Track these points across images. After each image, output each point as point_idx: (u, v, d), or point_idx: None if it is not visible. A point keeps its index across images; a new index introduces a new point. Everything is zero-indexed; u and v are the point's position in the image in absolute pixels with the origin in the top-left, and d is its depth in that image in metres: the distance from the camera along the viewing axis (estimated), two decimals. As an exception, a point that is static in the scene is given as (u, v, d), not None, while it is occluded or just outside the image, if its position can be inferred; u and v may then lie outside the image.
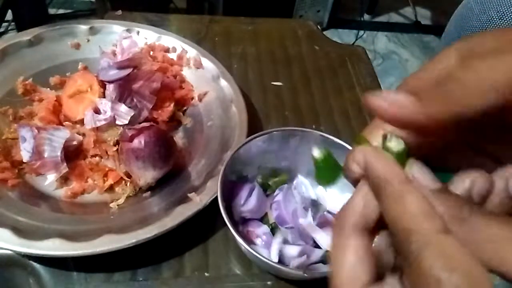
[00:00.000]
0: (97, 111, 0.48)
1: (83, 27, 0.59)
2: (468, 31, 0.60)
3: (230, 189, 0.44)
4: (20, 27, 1.39)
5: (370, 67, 0.69)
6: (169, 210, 0.42)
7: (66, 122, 0.50)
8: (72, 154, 0.47)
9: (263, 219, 0.45)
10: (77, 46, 0.59)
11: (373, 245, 0.20)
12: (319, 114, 0.60)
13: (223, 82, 0.55)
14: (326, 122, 0.59)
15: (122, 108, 0.48)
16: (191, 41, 0.60)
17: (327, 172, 0.23)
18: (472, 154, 0.23)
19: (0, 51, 0.54)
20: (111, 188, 0.46)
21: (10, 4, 1.28)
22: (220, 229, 0.45)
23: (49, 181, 0.46)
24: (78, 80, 0.51)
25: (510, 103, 0.18)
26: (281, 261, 0.40)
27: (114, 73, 0.48)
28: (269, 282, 0.42)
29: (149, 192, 0.46)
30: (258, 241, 0.42)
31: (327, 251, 0.41)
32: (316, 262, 0.41)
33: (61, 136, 0.45)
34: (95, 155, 0.48)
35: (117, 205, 0.44)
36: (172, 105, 0.53)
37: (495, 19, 0.55)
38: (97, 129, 0.48)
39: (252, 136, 0.44)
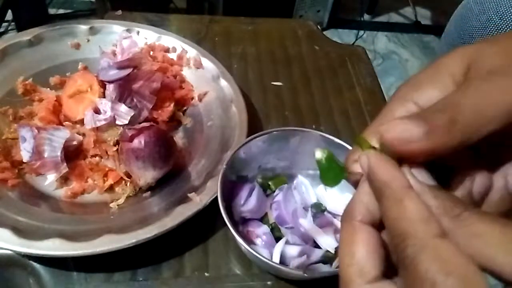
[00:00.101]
0: (97, 111, 0.48)
1: (83, 27, 0.59)
2: (468, 31, 0.60)
3: (230, 189, 0.44)
4: (20, 27, 1.39)
5: (370, 67, 0.69)
6: (169, 210, 0.42)
7: (66, 122, 0.50)
8: (72, 154, 0.47)
9: (263, 219, 0.45)
10: (77, 46, 0.59)
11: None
12: (319, 114, 0.60)
13: (223, 82, 0.55)
14: (326, 122, 0.59)
15: (122, 108, 0.48)
16: (191, 41, 0.60)
17: (331, 172, 0.23)
18: (472, 154, 0.23)
19: (0, 51, 0.54)
20: (111, 188, 0.46)
21: (10, 4, 1.29)
22: (220, 229, 0.45)
23: (49, 181, 0.46)
24: (78, 80, 0.51)
25: None
26: (281, 261, 0.40)
27: (114, 73, 0.48)
28: (269, 282, 0.42)
29: (149, 192, 0.46)
30: (258, 241, 0.42)
31: (327, 251, 0.41)
32: (316, 262, 0.41)
33: (61, 136, 0.45)
34: (95, 155, 0.48)
35: (117, 205, 0.44)
36: (172, 105, 0.53)
37: (494, 19, 0.55)
38: (97, 129, 0.48)
39: (252, 136, 0.44)
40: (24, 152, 0.44)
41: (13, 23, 1.46)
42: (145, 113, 0.50)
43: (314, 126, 0.58)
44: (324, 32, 0.86)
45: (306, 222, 0.43)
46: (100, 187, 0.46)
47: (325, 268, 0.41)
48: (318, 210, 0.45)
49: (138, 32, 0.60)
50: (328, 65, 0.68)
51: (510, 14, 0.54)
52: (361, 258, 0.19)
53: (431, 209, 0.19)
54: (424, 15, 2.13)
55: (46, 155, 0.44)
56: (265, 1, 1.60)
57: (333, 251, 0.41)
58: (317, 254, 0.41)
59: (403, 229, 0.18)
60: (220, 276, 0.42)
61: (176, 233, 0.41)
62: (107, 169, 0.47)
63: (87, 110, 0.48)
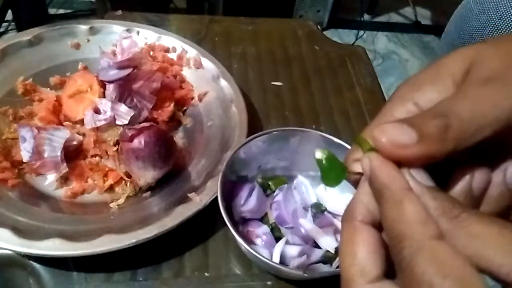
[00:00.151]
0: (97, 111, 0.48)
1: (83, 27, 0.59)
2: (468, 31, 0.60)
3: (230, 189, 0.44)
4: (20, 27, 1.39)
5: (370, 67, 0.69)
6: (169, 210, 0.42)
7: (66, 122, 0.50)
8: (72, 154, 0.47)
9: (263, 219, 0.45)
10: (77, 46, 0.59)
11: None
12: (319, 114, 0.60)
13: (223, 82, 0.55)
14: (326, 122, 0.59)
15: (122, 108, 0.48)
16: (191, 41, 0.60)
17: (332, 172, 0.23)
18: (471, 150, 0.23)
19: (0, 51, 0.54)
20: (111, 188, 0.46)
21: (10, 4, 1.29)
22: (220, 229, 0.45)
23: (49, 181, 0.46)
24: (78, 80, 0.51)
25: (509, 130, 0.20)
26: (281, 261, 0.40)
27: (114, 73, 0.48)
28: (269, 282, 0.42)
29: (149, 192, 0.46)
30: (258, 241, 0.42)
31: (327, 251, 0.41)
32: (316, 262, 0.41)
33: (61, 136, 0.45)
34: (95, 155, 0.48)
35: (117, 205, 0.44)
36: (172, 105, 0.53)
37: (494, 20, 0.55)
38: (97, 129, 0.48)
39: (252, 136, 0.44)
40: (24, 152, 0.44)
41: (13, 23, 1.46)
42: (145, 113, 0.50)
43: (314, 126, 0.58)
44: (324, 32, 0.86)
45: (306, 222, 0.43)
46: (100, 187, 0.46)
47: (325, 268, 0.41)
48: (318, 210, 0.45)
49: (138, 32, 0.60)
50: (328, 65, 0.68)
51: (509, 15, 0.54)
52: (362, 258, 0.19)
53: (430, 210, 0.19)
54: (424, 15, 2.13)
55: (46, 155, 0.44)
56: (265, 1, 1.60)
57: (333, 251, 0.41)
58: (317, 254, 0.41)
59: (400, 230, 0.18)
60: (220, 276, 0.42)
61: (176, 233, 0.41)
62: (107, 169, 0.47)
63: (87, 110, 0.48)
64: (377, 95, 0.64)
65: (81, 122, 0.49)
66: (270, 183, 0.47)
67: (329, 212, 0.45)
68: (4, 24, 1.45)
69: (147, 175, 0.43)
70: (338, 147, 0.44)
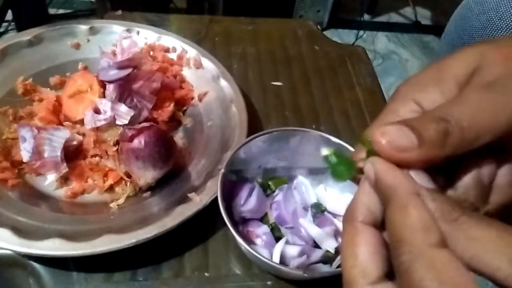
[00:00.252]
0: (97, 111, 0.48)
1: (83, 27, 0.59)
2: (468, 31, 0.60)
3: (230, 189, 0.44)
4: (20, 27, 1.39)
5: (370, 67, 0.69)
6: (169, 210, 0.42)
7: (66, 122, 0.50)
8: (72, 154, 0.47)
9: (263, 219, 0.45)
10: (77, 46, 0.59)
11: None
12: (319, 114, 0.60)
13: (223, 82, 0.55)
14: (326, 122, 0.59)
15: (122, 108, 0.48)
16: (191, 41, 0.60)
17: (341, 167, 0.23)
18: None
19: (0, 51, 0.54)
20: (111, 188, 0.46)
21: (10, 4, 1.28)
22: (220, 229, 0.45)
23: (49, 181, 0.46)
24: (78, 80, 0.51)
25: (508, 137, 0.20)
26: (281, 261, 0.40)
27: (114, 73, 0.48)
28: (269, 282, 0.42)
29: (149, 192, 0.46)
30: (258, 241, 0.42)
31: (327, 251, 0.41)
32: (316, 262, 0.41)
33: (61, 136, 0.45)
34: (95, 155, 0.48)
35: (117, 205, 0.44)
36: (172, 105, 0.53)
37: (494, 20, 0.55)
38: (97, 129, 0.48)
39: (252, 136, 0.44)
40: (24, 152, 0.44)
41: (13, 23, 1.46)
42: (145, 113, 0.50)
43: (314, 126, 0.58)
44: (324, 32, 0.86)
45: (306, 222, 0.43)
46: (100, 187, 0.46)
47: (325, 268, 0.41)
48: (318, 210, 0.45)
49: (138, 32, 0.60)
50: (328, 65, 0.68)
51: (509, 15, 0.54)
52: (364, 259, 0.19)
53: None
54: (424, 15, 2.13)
55: (46, 155, 0.44)
56: (265, 1, 1.60)
57: (333, 251, 0.41)
58: (317, 254, 0.41)
59: (402, 235, 0.18)
60: (220, 276, 0.42)
61: (176, 233, 0.41)
62: (107, 169, 0.47)
63: (87, 110, 0.48)
64: (377, 95, 0.64)
65: (81, 122, 0.49)
66: (270, 183, 0.47)
67: (329, 212, 0.45)
68: (4, 24, 1.45)
69: (147, 175, 0.43)
70: (338, 147, 0.44)
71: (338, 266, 0.40)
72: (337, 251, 0.41)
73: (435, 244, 0.17)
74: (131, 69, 0.48)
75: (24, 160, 0.45)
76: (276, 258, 0.39)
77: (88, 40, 0.59)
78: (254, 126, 0.52)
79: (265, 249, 0.41)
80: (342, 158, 0.23)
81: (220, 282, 0.41)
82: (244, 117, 0.51)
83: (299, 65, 0.67)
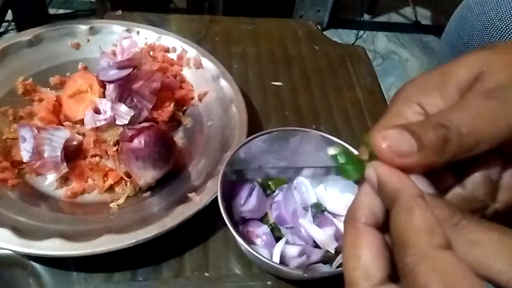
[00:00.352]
0: (97, 111, 0.48)
1: (83, 27, 0.59)
2: (468, 32, 0.60)
3: (230, 189, 0.44)
4: (20, 27, 1.39)
5: (370, 67, 0.69)
6: (169, 210, 0.42)
7: (66, 122, 0.50)
8: (72, 154, 0.47)
9: (263, 219, 0.45)
10: (77, 46, 0.59)
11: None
12: (319, 114, 0.60)
13: (223, 82, 0.55)
14: (326, 122, 0.59)
15: (122, 108, 0.48)
16: (191, 41, 0.60)
17: (351, 165, 0.23)
18: None
19: (0, 51, 0.54)
20: (111, 188, 0.46)
21: (10, 4, 1.28)
22: (220, 229, 0.45)
23: (49, 181, 0.46)
24: (78, 80, 0.51)
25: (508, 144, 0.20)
26: (281, 261, 0.40)
27: (114, 73, 0.48)
28: (269, 282, 0.42)
29: (149, 192, 0.46)
30: (258, 241, 0.42)
31: (327, 251, 0.41)
32: (316, 262, 0.41)
33: (61, 136, 0.45)
34: (95, 155, 0.47)
35: (117, 205, 0.44)
36: (172, 105, 0.53)
37: (494, 20, 0.55)
38: (97, 129, 0.48)
39: (252, 136, 0.44)
40: (24, 152, 0.44)
41: (13, 23, 1.46)
42: (145, 113, 0.50)
43: (314, 126, 0.58)
44: (324, 32, 0.86)
45: (306, 222, 0.43)
46: (100, 187, 0.46)
47: (325, 268, 0.41)
48: (318, 210, 0.45)
49: (138, 32, 0.60)
50: (328, 65, 0.68)
51: (510, 15, 0.54)
52: (366, 261, 0.19)
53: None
54: (424, 15, 2.13)
55: (46, 155, 0.44)
56: (265, 1, 1.60)
57: (333, 251, 0.41)
58: (317, 254, 0.41)
59: (406, 237, 0.18)
60: (220, 276, 0.42)
61: (176, 233, 0.41)
62: (107, 169, 0.47)
63: (87, 110, 0.48)
64: (377, 95, 0.64)
65: (81, 122, 0.49)
66: (270, 183, 0.47)
67: (329, 212, 0.45)
68: (4, 24, 1.45)
69: (147, 175, 0.43)
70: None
71: (338, 266, 0.40)
72: (337, 251, 0.41)
73: (440, 246, 0.17)
74: (131, 69, 0.48)
75: (24, 160, 0.45)
76: (276, 258, 0.39)
77: (88, 40, 0.59)
78: (254, 126, 0.52)
79: (265, 249, 0.41)
80: (350, 157, 0.23)
81: (220, 282, 0.41)
82: (244, 117, 0.51)
83: (299, 65, 0.67)
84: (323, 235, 0.42)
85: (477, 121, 0.20)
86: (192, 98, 0.56)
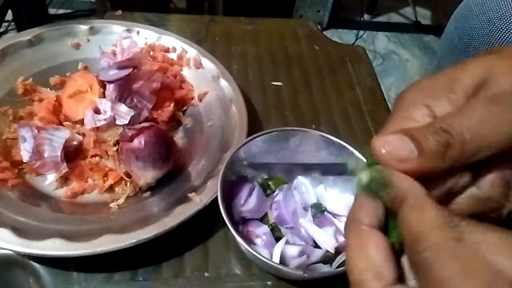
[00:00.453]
0: (97, 111, 0.48)
1: (83, 27, 0.59)
2: (468, 32, 0.60)
3: (230, 189, 0.44)
4: (20, 27, 1.39)
5: (370, 67, 0.69)
6: (169, 210, 0.42)
7: (66, 122, 0.50)
8: (72, 154, 0.47)
9: (263, 219, 0.45)
10: (77, 46, 0.59)
11: None
12: (319, 114, 0.60)
13: (223, 82, 0.55)
14: (326, 122, 0.59)
15: (122, 108, 0.48)
16: (191, 41, 0.60)
17: (375, 187, 0.21)
18: None
19: (0, 51, 0.54)
20: (111, 188, 0.46)
21: (10, 4, 1.28)
22: (220, 229, 0.45)
23: (49, 181, 0.46)
24: (78, 80, 0.51)
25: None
26: (281, 261, 0.40)
27: (114, 73, 0.48)
28: (269, 282, 0.42)
29: (149, 192, 0.46)
30: (258, 241, 0.42)
31: (327, 251, 0.41)
32: (316, 262, 0.41)
33: (61, 136, 0.45)
34: (95, 155, 0.47)
35: (117, 205, 0.44)
36: (172, 105, 0.53)
37: (494, 20, 0.55)
38: (97, 129, 0.48)
39: (252, 136, 0.44)
40: (24, 152, 0.44)
41: (13, 23, 1.46)
42: (145, 113, 0.50)
43: (314, 126, 0.58)
44: (324, 32, 0.86)
45: (306, 222, 0.43)
46: (100, 187, 0.46)
47: (325, 268, 0.41)
48: (318, 210, 0.45)
49: (138, 32, 0.60)
50: (328, 65, 0.68)
51: (510, 15, 0.54)
52: (377, 262, 0.19)
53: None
54: (424, 15, 2.13)
55: (46, 155, 0.44)
56: (265, 1, 1.60)
57: (333, 251, 0.41)
58: (317, 254, 0.41)
59: (420, 233, 0.18)
60: (220, 276, 0.42)
61: (176, 233, 0.40)
62: (107, 169, 0.47)
63: (87, 110, 0.48)
64: (377, 95, 0.64)
65: (81, 122, 0.49)
66: (270, 183, 0.47)
67: (329, 212, 0.45)
68: (4, 24, 1.45)
69: (147, 175, 0.43)
70: (338, 147, 0.44)
71: (338, 266, 0.40)
72: (337, 251, 0.41)
73: (456, 238, 0.17)
74: (131, 69, 0.48)
75: (24, 160, 0.45)
76: (276, 258, 0.39)
77: (88, 40, 0.59)
78: (254, 126, 0.52)
79: (265, 249, 0.41)
80: (376, 185, 0.21)
81: (220, 282, 0.41)
82: (244, 117, 0.51)
83: (299, 65, 0.67)
84: (323, 235, 0.42)
85: (480, 126, 0.20)
86: (192, 98, 0.56)
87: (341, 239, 0.42)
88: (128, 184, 0.46)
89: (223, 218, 0.38)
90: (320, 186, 0.47)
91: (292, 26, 0.75)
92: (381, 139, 0.21)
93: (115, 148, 0.47)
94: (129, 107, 0.48)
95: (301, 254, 0.40)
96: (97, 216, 0.43)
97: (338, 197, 0.45)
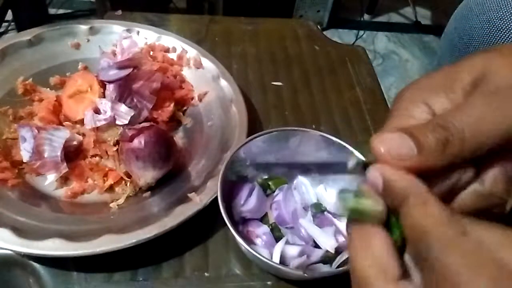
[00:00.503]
0: (97, 111, 0.48)
1: (83, 27, 0.59)
2: (468, 32, 0.60)
3: (230, 189, 0.44)
4: (20, 27, 1.39)
5: (370, 67, 0.69)
6: (169, 210, 0.42)
7: (66, 122, 0.50)
8: (72, 154, 0.47)
9: (263, 219, 0.45)
10: (77, 46, 0.59)
11: None
12: (319, 114, 0.60)
13: (223, 82, 0.55)
14: (326, 122, 0.59)
15: (122, 108, 0.48)
16: (191, 41, 0.60)
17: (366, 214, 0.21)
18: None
19: (0, 51, 0.54)
20: (111, 188, 0.46)
21: (10, 4, 1.28)
22: (220, 229, 0.45)
23: (49, 181, 0.46)
24: (78, 80, 0.51)
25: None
26: (281, 261, 0.40)
27: (114, 73, 0.48)
28: (269, 282, 0.42)
29: (149, 192, 0.46)
30: (258, 241, 0.42)
31: (327, 251, 0.41)
32: (316, 262, 0.41)
33: (61, 136, 0.45)
34: (95, 155, 0.47)
35: (117, 205, 0.44)
36: (172, 105, 0.53)
37: (495, 20, 0.55)
38: (97, 129, 0.48)
39: (252, 136, 0.44)
40: (24, 152, 0.44)
41: (13, 23, 1.46)
42: (145, 113, 0.50)
43: (314, 126, 0.58)
44: (324, 32, 0.86)
45: (306, 222, 0.43)
46: (100, 187, 0.46)
47: (325, 268, 0.41)
48: (318, 210, 0.45)
49: (138, 32, 0.60)
50: (328, 65, 0.68)
51: (510, 15, 0.54)
52: (382, 259, 0.19)
53: None
54: (424, 15, 2.13)
55: (46, 155, 0.44)
56: (265, 1, 1.59)
57: (333, 251, 0.41)
58: (317, 254, 0.41)
59: (425, 228, 0.18)
60: (220, 276, 0.42)
61: (176, 233, 0.40)
62: (107, 169, 0.47)
63: (87, 110, 0.48)
64: (377, 95, 0.64)
65: (81, 122, 0.49)
66: (270, 183, 0.47)
67: (329, 212, 0.45)
68: (4, 24, 1.45)
69: (147, 175, 0.43)
70: (338, 147, 0.44)
71: (338, 266, 0.40)
72: (337, 251, 0.41)
73: (462, 232, 0.17)
74: (131, 69, 0.48)
75: (24, 160, 0.45)
76: (276, 258, 0.39)
77: (88, 40, 0.59)
78: (254, 126, 0.52)
79: (265, 249, 0.41)
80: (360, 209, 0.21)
81: (220, 282, 0.41)
82: (244, 117, 0.51)
83: (299, 65, 0.67)
84: (323, 235, 0.42)
85: (479, 122, 0.20)
86: (192, 98, 0.56)
87: (341, 239, 0.42)
88: (128, 184, 0.46)
89: (223, 218, 0.38)
90: (320, 186, 0.47)
91: (292, 26, 0.75)
92: (380, 137, 0.21)
93: (115, 148, 0.47)
94: (129, 107, 0.48)
95: (301, 254, 0.40)
96: (97, 216, 0.43)
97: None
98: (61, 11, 1.78)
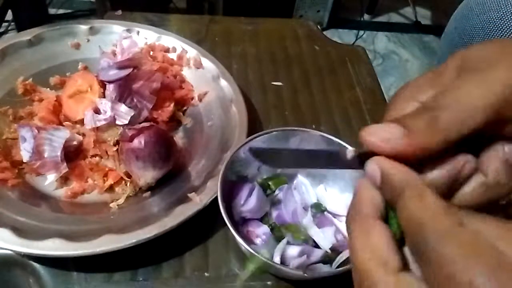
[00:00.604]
0: (97, 111, 0.48)
1: (83, 27, 0.59)
2: (468, 31, 0.60)
3: (230, 189, 0.44)
4: (20, 27, 1.39)
5: (370, 67, 0.69)
6: (169, 210, 0.42)
7: (66, 122, 0.50)
8: (72, 154, 0.47)
9: (263, 219, 0.45)
10: (77, 46, 0.59)
11: None
12: (319, 114, 0.60)
13: (223, 82, 0.55)
14: (326, 122, 0.59)
15: (122, 108, 0.48)
16: (191, 41, 0.60)
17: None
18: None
19: (0, 51, 0.54)
20: (111, 188, 0.46)
21: (10, 4, 1.28)
22: (220, 229, 0.45)
23: (49, 181, 0.46)
24: (78, 80, 0.51)
25: (500, 117, 0.20)
26: (281, 261, 0.40)
27: (114, 73, 0.48)
28: (269, 282, 0.42)
29: (149, 192, 0.46)
30: (258, 241, 0.42)
31: (327, 251, 0.41)
32: (316, 262, 0.41)
33: (61, 136, 0.45)
34: (95, 155, 0.47)
35: (117, 205, 0.44)
36: (172, 105, 0.53)
37: (495, 20, 0.55)
38: (97, 129, 0.48)
39: (252, 136, 0.44)
40: (24, 152, 0.44)
41: (13, 23, 1.46)
42: (145, 113, 0.50)
43: (314, 126, 0.58)
44: (324, 32, 0.86)
45: (306, 222, 0.42)
46: (100, 187, 0.46)
47: (325, 268, 0.41)
48: (318, 210, 0.45)
49: (138, 32, 0.60)
50: (328, 65, 0.68)
51: (510, 15, 0.54)
52: (382, 251, 0.19)
53: None
54: (424, 15, 2.13)
55: (46, 155, 0.44)
56: (265, 1, 1.59)
57: (331, 249, 0.41)
58: (317, 254, 0.41)
59: (422, 220, 0.18)
60: (220, 276, 0.42)
61: (176, 233, 0.40)
62: (107, 169, 0.47)
63: (87, 110, 0.48)
64: (377, 95, 0.64)
65: (81, 122, 0.49)
66: (270, 183, 0.46)
67: (329, 212, 0.45)
68: (4, 24, 1.45)
69: (147, 175, 0.43)
70: (338, 147, 0.44)
71: (338, 266, 0.40)
72: (337, 251, 0.41)
73: (459, 224, 0.17)
74: (131, 69, 0.48)
75: (24, 160, 0.45)
76: (276, 258, 0.39)
77: (88, 40, 0.59)
78: (254, 126, 0.52)
79: (265, 249, 0.41)
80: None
81: (220, 282, 0.41)
82: (244, 117, 0.51)
83: (299, 65, 0.67)
84: (323, 235, 0.42)
85: (465, 97, 0.21)
86: (192, 98, 0.56)
87: (341, 239, 0.42)
88: (128, 184, 0.46)
89: (223, 218, 0.38)
90: (320, 186, 0.47)
91: (292, 26, 0.75)
92: (368, 129, 0.21)
93: (115, 148, 0.47)
94: (129, 107, 0.48)
95: (301, 254, 0.40)
96: (97, 216, 0.43)
97: (338, 197, 0.45)
98: (61, 11, 1.78)
